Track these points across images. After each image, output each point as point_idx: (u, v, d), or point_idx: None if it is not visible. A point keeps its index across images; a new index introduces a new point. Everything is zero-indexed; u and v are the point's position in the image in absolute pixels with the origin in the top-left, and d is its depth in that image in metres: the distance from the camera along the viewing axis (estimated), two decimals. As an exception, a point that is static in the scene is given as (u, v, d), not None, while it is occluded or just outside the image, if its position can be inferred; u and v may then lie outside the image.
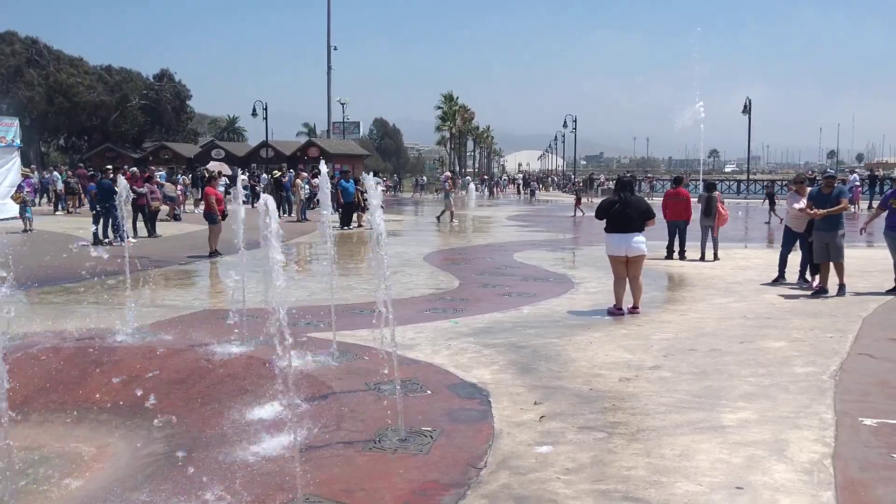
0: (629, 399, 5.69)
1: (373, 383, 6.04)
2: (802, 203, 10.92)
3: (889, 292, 10.13)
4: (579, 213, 29.80)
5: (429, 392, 5.89)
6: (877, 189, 34.69)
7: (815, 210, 10.00)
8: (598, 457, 4.52)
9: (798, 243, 11.25)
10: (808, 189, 11.34)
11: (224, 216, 15.72)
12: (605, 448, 4.67)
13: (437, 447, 4.71)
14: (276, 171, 32.62)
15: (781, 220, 15.63)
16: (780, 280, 11.24)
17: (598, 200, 15.41)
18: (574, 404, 5.56)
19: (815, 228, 10.09)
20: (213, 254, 15.31)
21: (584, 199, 33.40)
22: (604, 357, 6.95)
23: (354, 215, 23.40)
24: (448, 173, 35.79)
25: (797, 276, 11.19)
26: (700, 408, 5.44)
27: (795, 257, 11.35)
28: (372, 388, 5.92)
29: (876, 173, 41.68)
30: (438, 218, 26.08)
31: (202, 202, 19.63)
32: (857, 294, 10.05)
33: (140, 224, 19.43)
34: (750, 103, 44.64)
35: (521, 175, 62.85)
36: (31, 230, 20.07)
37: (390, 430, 4.93)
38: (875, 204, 29.44)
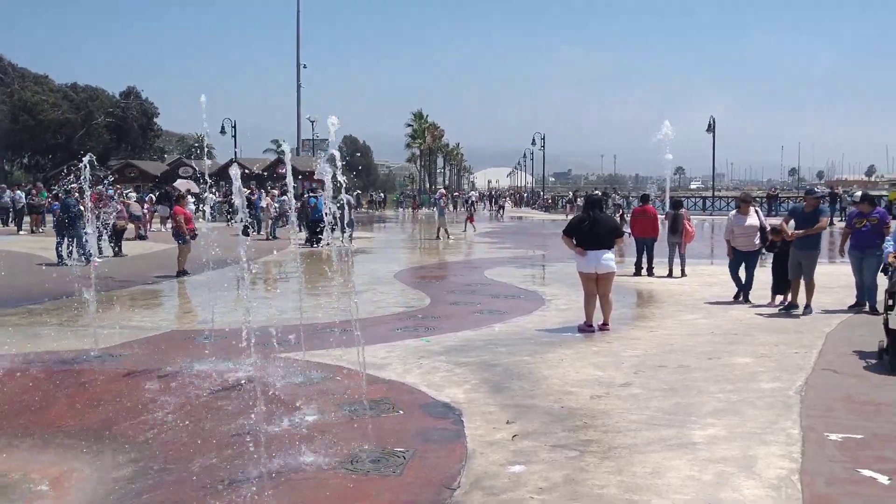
0: (600, 417, 5.72)
1: (344, 403, 6.00)
2: (750, 219, 11.22)
3: (851, 308, 10.36)
4: (471, 230, 30.68)
5: (401, 412, 5.87)
6: (837, 206, 35.55)
7: (793, 231, 10.30)
8: (571, 475, 4.54)
9: (745, 264, 11.40)
10: (753, 207, 11.66)
11: (194, 235, 15.55)
12: (578, 467, 4.69)
13: (411, 468, 4.70)
14: (246, 190, 32.40)
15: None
16: (739, 297, 11.40)
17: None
18: (546, 423, 5.58)
19: (794, 246, 10.31)
20: (181, 273, 15.14)
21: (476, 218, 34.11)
22: (575, 375, 6.99)
23: (325, 233, 23.33)
24: (442, 190, 36.01)
25: (743, 295, 11.34)
26: (670, 424, 5.49)
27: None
28: (343, 409, 5.88)
29: (836, 191, 42.70)
30: (439, 234, 26.83)
31: (169, 220, 19.40)
32: (822, 311, 10.24)
33: (105, 243, 19.13)
34: (714, 122, 45.48)
35: (474, 194, 61.38)
36: (-8, 250, 19.65)
37: (363, 451, 4.90)
38: (836, 221, 30.33)
